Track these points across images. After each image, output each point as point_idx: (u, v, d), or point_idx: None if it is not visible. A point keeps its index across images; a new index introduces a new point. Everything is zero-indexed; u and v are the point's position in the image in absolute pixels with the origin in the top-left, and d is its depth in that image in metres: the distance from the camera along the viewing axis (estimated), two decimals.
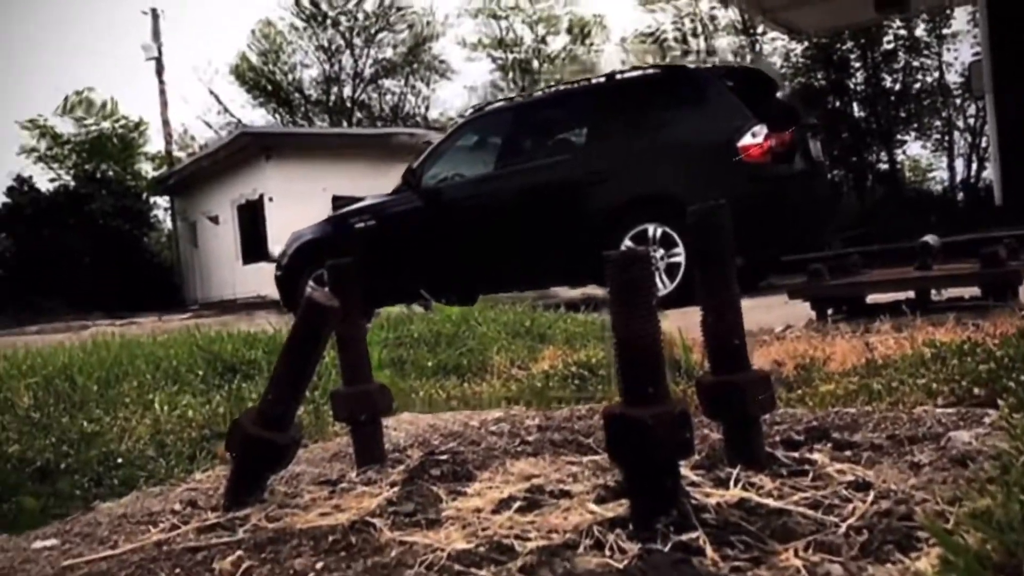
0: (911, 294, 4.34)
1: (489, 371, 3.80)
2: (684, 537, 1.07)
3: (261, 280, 15.96)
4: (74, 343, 4.57)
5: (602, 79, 8.43)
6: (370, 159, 16.64)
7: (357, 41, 29.16)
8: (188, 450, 2.50)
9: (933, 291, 4.39)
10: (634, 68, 9.32)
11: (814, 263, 4.49)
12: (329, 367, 2.89)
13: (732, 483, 1.26)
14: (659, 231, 6.95)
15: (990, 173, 13.73)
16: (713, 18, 23.68)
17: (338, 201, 9.36)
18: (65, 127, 25.82)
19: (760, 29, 21.32)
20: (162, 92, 26.83)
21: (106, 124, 26.04)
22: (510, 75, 29.24)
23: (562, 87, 9.21)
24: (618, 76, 8.32)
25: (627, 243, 6.87)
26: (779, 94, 8.46)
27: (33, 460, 2.50)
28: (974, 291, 4.21)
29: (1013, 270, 3.97)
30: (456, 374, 3.79)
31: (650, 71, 8.66)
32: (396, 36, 29.33)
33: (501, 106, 9.20)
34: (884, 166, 19.73)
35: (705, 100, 7.31)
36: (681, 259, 6.77)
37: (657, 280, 6.66)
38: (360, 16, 28.72)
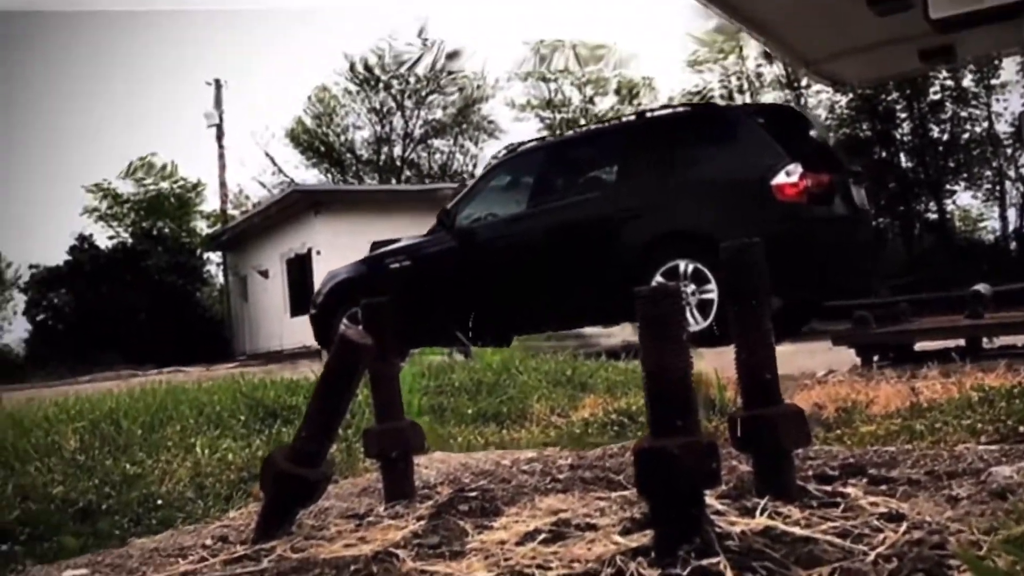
0: (962, 342, 4.24)
1: (529, 419, 3.79)
2: (704, 562, 1.04)
3: (308, 332, 16.13)
4: (122, 390, 4.66)
5: (632, 118, 8.48)
6: (415, 214, 16.87)
7: (408, 103, 29.82)
8: (225, 491, 2.53)
9: (985, 339, 4.28)
10: (664, 107, 9.34)
11: (859, 309, 4.42)
12: (363, 405, 2.90)
13: (759, 512, 1.23)
14: (690, 267, 6.90)
15: None
16: (759, 75, 23.79)
17: (377, 246, 9.45)
18: (126, 188, 26.84)
19: (804, 82, 21.34)
20: (221, 156, 27.76)
21: (164, 185, 27.02)
22: (557, 134, 29.54)
23: (593, 126, 9.25)
24: (648, 115, 8.37)
25: (658, 279, 6.83)
26: (813, 132, 8.37)
27: (76, 501, 2.55)
28: None
29: None
30: (495, 421, 3.78)
31: (680, 109, 8.69)
32: (446, 98, 29.94)
33: (533, 146, 9.25)
34: (933, 215, 19.41)
35: (736, 138, 7.29)
36: (713, 295, 6.69)
37: (689, 316, 6.60)
38: (412, 80, 29.43)
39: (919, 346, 4.33)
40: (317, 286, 10.34)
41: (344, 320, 8.16)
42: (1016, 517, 1.05)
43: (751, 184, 6.82)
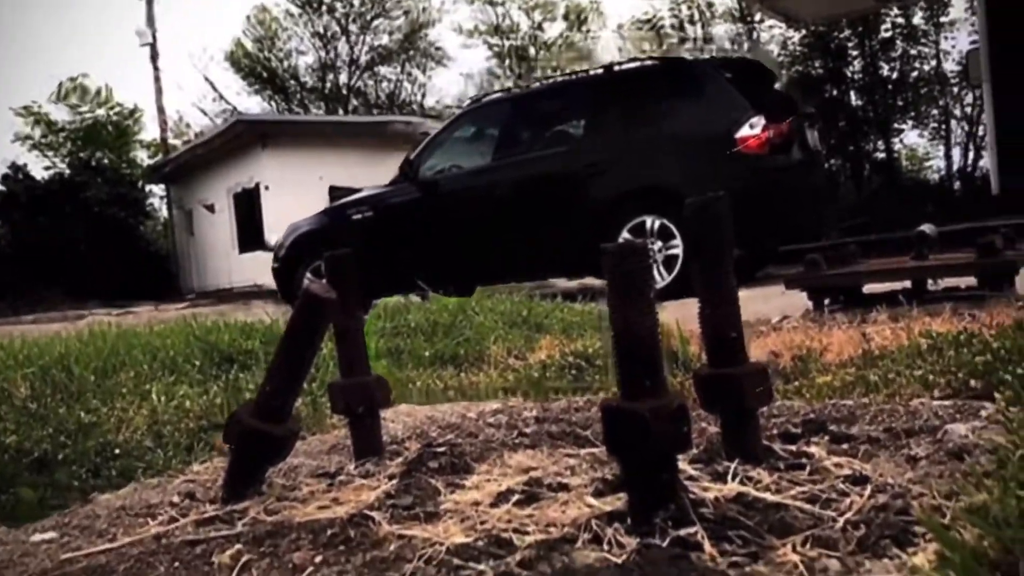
0: (908, 284, 4.35)
1: (486, 361, 3.81)
2: (682, 532, 1.07)
3: (258, 269, 15.92)
4: (71, 333, 4.56)
5: (600, 71, 8.41)
6: (366, 148, 16.58)
7: (353, 28, 29.03)
8: (186, 441, 2.50)
9: (930, 281, 4.39)
10: (632, 60, 9.28)
11: (811, 253, 4.50)
12: (327, 359, 2.89)
13: (730, 477, 1.27)
14: (657, 223, 6.95)
15: (987, 162, 13.74)
16: (711, 5, 23.62)
17: (336, 192, 9.36)
18: (59, 114, 25.71)
19: (757, 17, 21.28)
20: (157, 79, 26.63)
21: (101, 111, 25.90)
22: (507, 62, 29.14)
23: (560, 79, 9.19)
24: (616, 68, 8.30)
25: (625, 235, 6.87)
26: (777, 84, 8.43)
27: (31, 451, 2.50)
28: (971, 281, 4.22)
29: (1010, 260, 3.97)
30: (453, 364, 3.80)
31: (648, 63, 8.64)
32: (392, 23, 29.21)
33: (499, 97, 9.18)
34: (881, 155, 19.73)
35: (703, 92, 7.30)
36: (679, 251, 6.77)
37: (655, 272, 6.67)
38: (356, 2, 28.58)
39: (867, 288, 4.43)
40: (273, 233, 10.21)
41: (308, 274, 8.09)
42: (975, 481, 1.09)
43: (717, 138, 6.85)
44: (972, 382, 1.84)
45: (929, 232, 4.74)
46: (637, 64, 8.49)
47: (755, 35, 22.45)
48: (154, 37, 26.44)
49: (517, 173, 7.86)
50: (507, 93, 9.63)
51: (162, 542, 1.38)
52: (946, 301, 3.74)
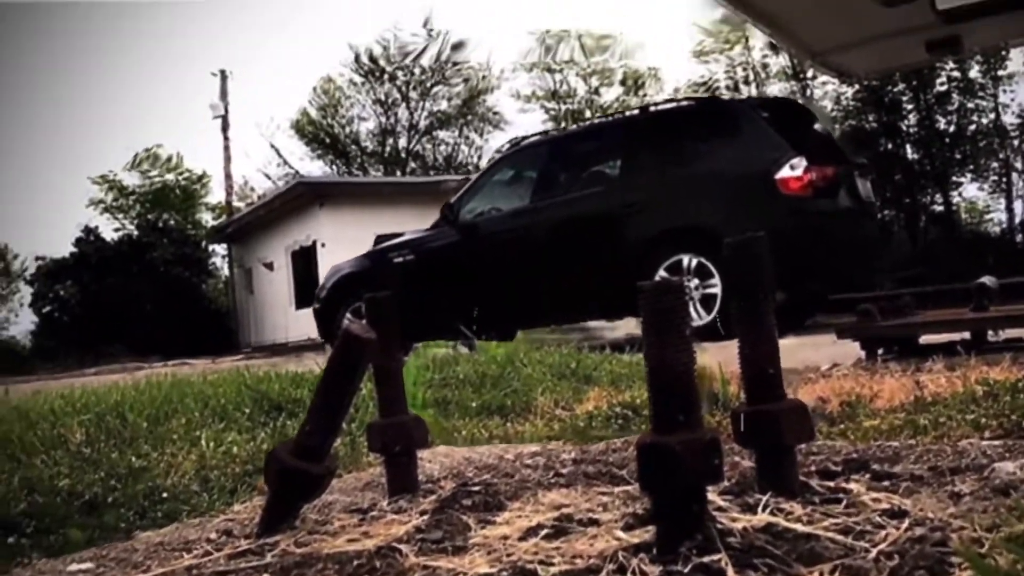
0: (967, 335, 4.23)
1: (533, 412, 3.79)
2: (706, 559, 1.04)
3: (312, 324, 16.14)
4: (127, 382, 4.67)
5: (636, 111, 8.46)
6: (420, 205, 16.87)
7: (413, 94, 29.79)
8: (230, 484, 2.53)
9: (990, 332, 4.27)
10: (667, 100, 9.31)
11: (864, 303, 4.41)
12: (367, 399, 2.90)
13: (760, 509, 1.23)
14: (694, 261, 6.89)
15: None
16: (765, 66, 23.70)
17: (381, 240, 9.47)
18: (131, 179, 26.90)
19: (810, 73, 21.24)
20: (226, 147, 27.74)
21: (170, 176, 27.09)
22: (562, 125, 29.49)
23: (596, 120, 9.26)
24: (652, 108, 8.34)
25: (662, 273, 6.82)
26: (817, 126, 8.33)
27: (82, 494, 2.55)
28: None
29: None
30: (500, 414, 3.78)
31: (684, 103, 8.66)
32: (451, 89, 29.90)
33: (537, 140, 9.24)
34: (939, 208, 19.34)
35: (740, 131, 7.26)
36: (717, 290, 6.68)
37: (692, 311, 6.59)
38: (416, 71, 29.39)
39: (924, 339, 4.32)
40: (321, 280, 10.36)
41: (348, 314, 8.17)
42: (1019, 514, 1.04)
43: (756, 178, 6.80)
44: None
45: (989, 284, 4.63)
46: (673, 104, 8.52)
47: (808, 92, 22.42)
48: (226, 110, 27.63)
49: (555, 214, 7.89)
50: (545, 135, 9.72)
51: (193, 573, 1.39)
52: (1006, 351, 3.62)
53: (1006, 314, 4.29)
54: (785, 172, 6.69)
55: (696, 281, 6.82)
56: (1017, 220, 19.19)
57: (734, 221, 6.14)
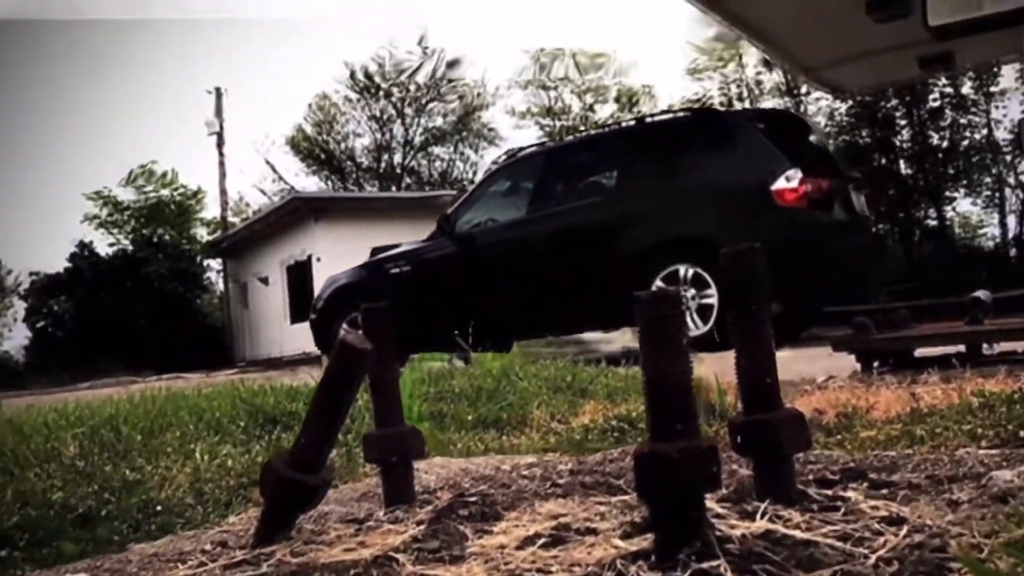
0: (962, 348, 4.24)
1: (529, 425, 3.78)
2: (705, 565, 1.04)
3: (308, 338, 16.08)
4: (121, 396, 4.66)
5: (632, 122, 8.49)
6: (415, 220, 16.87)
7: (408, 111, 29.89)
8: (225, 497, 2.52)
9: (985, 345, 4.28)
10: (664, 112, 9.35)
11: (859, 316, 4.42)
12: (363, 410, 2.90)
13: (759, 516, 1.23)
14: (690, 272, 6.90)
15: None
16: (759, 82, 23.85)
17: (377, 252, 9.46)
18: (126, 195, 26.86)
19: (804, 89, 21.37)
20: (221, 164, 27.80)
21: (165, 192, 27.06)
22: (557, 141, 29.57)
23: (593, 132, 9.29)
24: (648, 120, 8.37)
25: (658, 283, 6.83)
26: (812, 138, 8.37)
27: (75, 507, 2.54)
28: None
29: None
30: (495, 427, 3.78)
31: (680, 114, 8.70)
32: (447, 106, 30.01)
33: (533, 151, 9.25)
34: (933, 222, 19.43)
35: (735, 143, 7.29)
36: (713, 300, 6.68)
37: (689, 320, 6.59)
38: (412, 88, 29.50)
39: (919, 352, 4.33)
40: (317, 291, 10.35)
41: (344, 325, 8.15)
42: (1017, 520, 1.05)
43: (751, 189, 6.82)
44: (1022, 433, 1.78)
45: (984, 298, 4.66)
46: (669, 115, 8.56)
47: (802, 108, 22.55)
48: (221, 127, 27.71)
49: (551, 225, 7.89)
50: (541, 146, 9.74)
51: None
52: (1001, 364, 3.63)
53: (1000, 327, 4.31)
54: (781, 183, 6.71)
55: (692, 291, 6.83)
56: (1010, 235, 19.29)
57: (730, 232, 6.16)
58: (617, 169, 8.03)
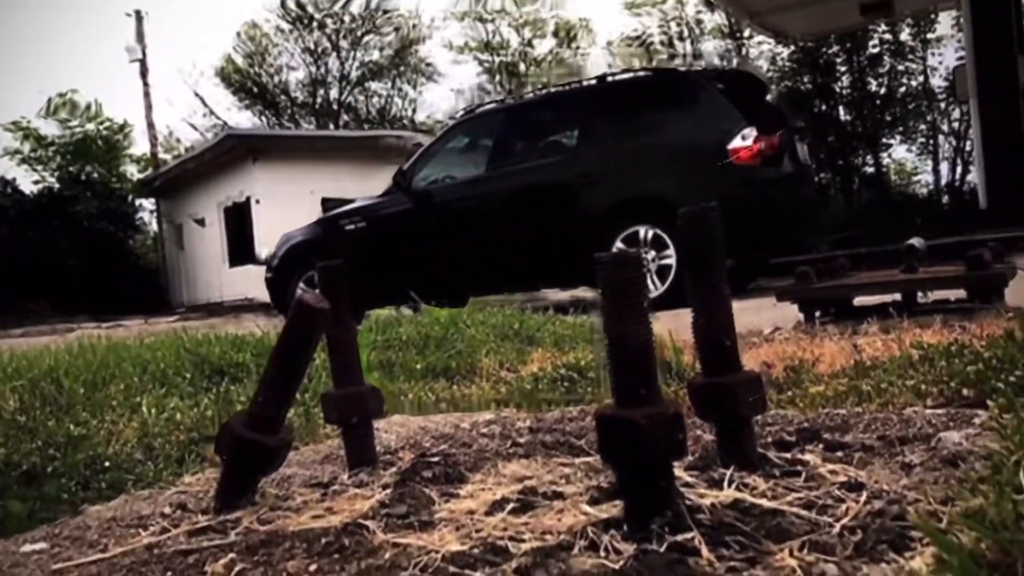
0: (898, 296, 4.38)
1: (478, 373, 3.80)
2: (679, 537, 1.07)
3: (248, 282, 15.89)
4: (60, 346, 4.53)
5: (593, 82, 8.46)
6: (357, 161, 16.59)
7: (343, 43, 29.15)
8: (176, 453, 2.48)
9: (919, 293, 4.42)
10: (625, 71, 9.32)
11: (802, 266, 4.52)
12: (320, 369, 2.87)
13: (726, 484, 1.27)
14: (650, 233, 6.97)
15: (975, 176, 13.85)
16: (699, 22, 23.85)
17: (329, 203, 9.42)
18: (49, 129, 25.68)
19: (746, 33, 21.45)
20: (146, 94, 26.65)
21: (90, 126, 25.91)
22: (497, 78, 29.30)
23: (553, 89, 9.25)
24: (609, 79, 8.34)
25: (619, 245, 6.89)
26: (768, 97, 8.51)
27: (19, 464, 2.48)
28: (960, 293, 4.24)
29: (998, 272, 4.00)
30: (445, 377, 3.79)
31: (641, 74, 8.69)
32: (382, 39, 29.38)
33: (492, 108, 9.21)
34: (870, 169, 19.89)
35: (696, 103, 7.34)
36: (672, 261, 6.78)
37: (649, 282, 6.68)
38: (346, 19, 28.74)
39: (858, 301, 4.45)
40: (263, 246, 10.25)
41: (300, 284, 8.08)
42: (969, 487, 1.09)
43: (709, 149, 6.89)
44: (964, 391, 1.85)
45: (918, 245, 4.78)
46: (630, 75, 8.54)
47: (744, 51, 22.64)
48: (144, 53, 26.49)
49: (510, 183, 7.88)
50: (501, 104, 9.67)
51: (154, 552, 1.37)
52: (936, 313, 3.76)
53: (934, 276, 4.43)
54: (736, 142, 6.80)
55: (653, 253, 6.91)
56: (943, 181, 19.87)
57: (688, 191, 6.22)
58: (578, 128, 8.01)
